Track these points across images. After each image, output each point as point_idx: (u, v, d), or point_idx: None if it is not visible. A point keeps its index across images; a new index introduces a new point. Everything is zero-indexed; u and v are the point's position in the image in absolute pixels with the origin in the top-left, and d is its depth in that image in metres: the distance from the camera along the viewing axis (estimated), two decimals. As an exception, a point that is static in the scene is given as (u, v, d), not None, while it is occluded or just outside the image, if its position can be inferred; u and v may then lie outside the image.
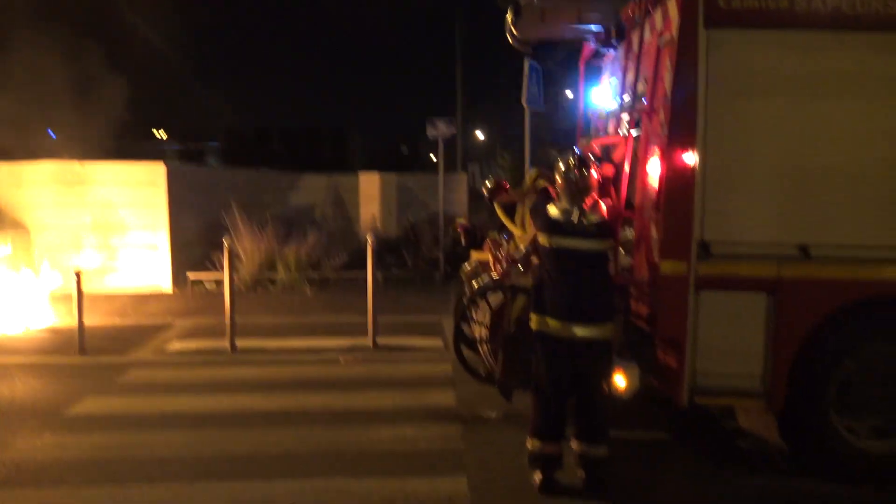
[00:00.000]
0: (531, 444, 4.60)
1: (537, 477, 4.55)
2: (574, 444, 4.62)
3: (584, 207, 4.59)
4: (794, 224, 4.69)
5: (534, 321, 4.64)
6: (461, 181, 20.00)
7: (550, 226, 4.57)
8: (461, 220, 7.43)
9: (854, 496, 4.61)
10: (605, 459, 4.58)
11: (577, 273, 4.53)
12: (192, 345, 8.60)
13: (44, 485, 4.68)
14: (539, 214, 4.71)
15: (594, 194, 4.84)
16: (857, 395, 4.77)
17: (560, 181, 4.68)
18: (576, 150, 5.13)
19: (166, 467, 4.94)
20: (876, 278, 4.65)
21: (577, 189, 4.61)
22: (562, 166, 4.69)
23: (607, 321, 4.56)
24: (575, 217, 4.55)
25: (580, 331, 4.48)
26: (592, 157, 5.46)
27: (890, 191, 4.65)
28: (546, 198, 4.99)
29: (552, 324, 4.53)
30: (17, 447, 5.33)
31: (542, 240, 4.63)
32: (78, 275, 8.24)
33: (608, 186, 5.51)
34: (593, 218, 4.58)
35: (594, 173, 4.79)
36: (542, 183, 5.77)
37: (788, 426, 4.86)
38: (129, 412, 6.13)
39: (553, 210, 4.62)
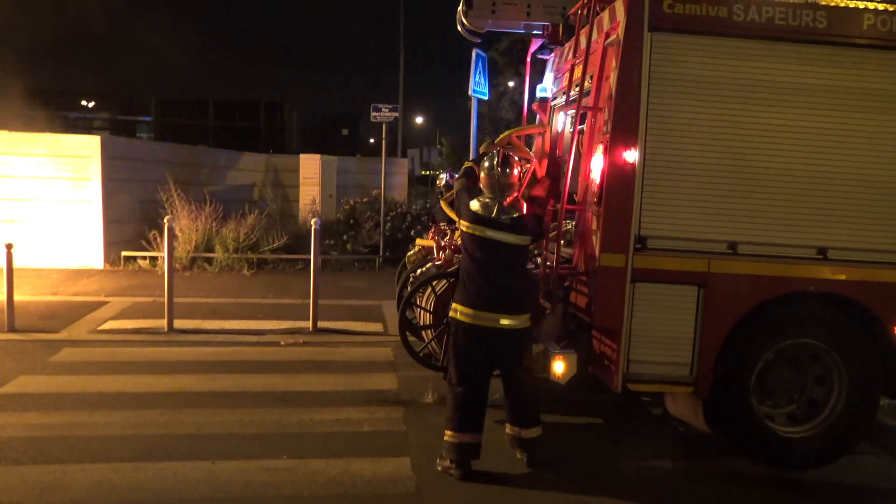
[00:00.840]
0: (447, 435, 4.71)
1: (452, 468, 4.65)
2: (508, 429, 4.87)
3: (504, 204, 4.82)
4: (724, 222, 4.97)
5: (452, 310, 4.83)
6: (402, 166, 20.06)
7: (472, 215, 4.80)
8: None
9: (772, 476, 4.97)
10: (539, 440, 4.84)
11: (493, 264, 4.74)
12: (127, 324, 8.46)
13: (-21, 464, 4.60)
14: (462, 202, 4.95)
15: (516, 191, 5.06)
16: (774, 382, 5.12)
17: (484, 176, 4.91)
18: (501, 150, 5.33)
19: (107, 447, 4.92)
20: (796, 275, 4.99)
21: (499, 185, 4.85)
22: (486, 163, 4.92)
23: (522, 312, 4.75)
24: (494, 211, 4.77)
25: (493, 320, 4.67)
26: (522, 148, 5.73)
27: (810, 194, 4.97)
28: (472, 182, 5.17)
29: (468, 312, 4.72)
30: (-52, 425, 5.21)
31: (464, 226, 4.85)
32: (8, 248, 8.01)
33: (542, 178, 5.71)
34: (511, 212, 4.81)
35: (516, 172, 4.98)
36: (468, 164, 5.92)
37: (713, 412, 5.17)
38: (65, 391, 6.02)
39: (474, 204, 4.83)
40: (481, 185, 4.96)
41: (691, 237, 4.98)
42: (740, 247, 4.95)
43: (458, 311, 4.77)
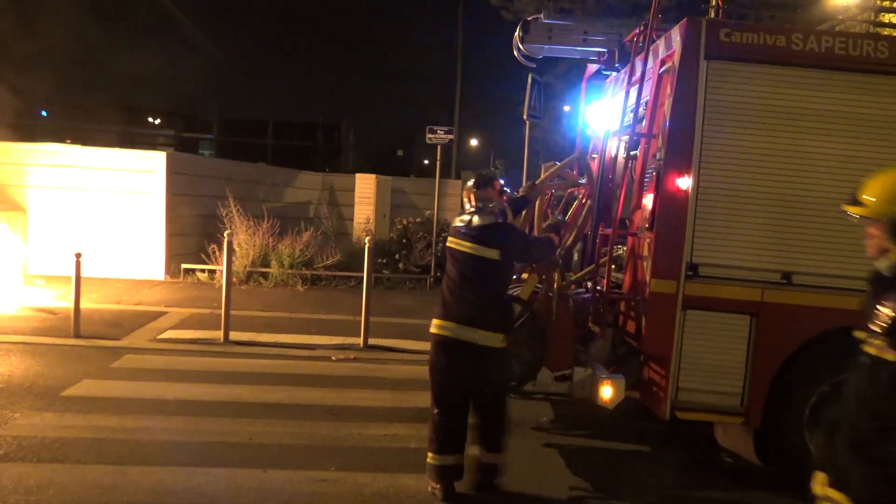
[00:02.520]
0: (429, 457, 4.61)
1: (437, 489, 4.57)
2: (473, 448, 4.68)
3: (480, 217, 4.69)
4: (778, 252, 4.93)
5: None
6: (456, 187, 20.21)
7: (451, 228, 4.84)
8: None
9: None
10: (496, 468, 4.64)
11: (459, 275, 4.64)
12: (185, 334, 8.74)
13: (45, 461, 4.82)
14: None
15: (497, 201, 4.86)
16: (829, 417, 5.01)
17: (465, 192, 4.88)
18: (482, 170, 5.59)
19: (164, 451, 5.11)
20: (854, 307, 4.88)
21: (476, 197, 4.72)
22: (468, 182, 4.89)
23: (488, 329, 4.51)
24: (467, 222, 4.71)
25: (455, 332, 4.53)
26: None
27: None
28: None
29: (435, 323, 4.65)
30: (17, 423, 5.47)
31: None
32: (77, 257, 8.37)
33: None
34: (483, 221, 4.66)
35: (496, 189, 4.83)
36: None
37: (765, 445, 5.09)
38: (125, 396, 6.27)
39: (457, 218, 4.87)
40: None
41: (744, 266, 4.94)
42: (795, 277, 4.90)
43: (432, 324, 4.71)
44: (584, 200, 6.41)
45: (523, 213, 5.87)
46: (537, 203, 6.02)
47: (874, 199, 2.96)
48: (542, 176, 6.52)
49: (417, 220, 15.82)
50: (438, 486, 4.57)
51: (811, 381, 4.94)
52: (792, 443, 4.95)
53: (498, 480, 4.65)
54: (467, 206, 4.82)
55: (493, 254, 4.59)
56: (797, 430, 4.94)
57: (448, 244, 4.81)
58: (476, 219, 4.70)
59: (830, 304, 4.87)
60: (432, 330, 4.67)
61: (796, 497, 4.95)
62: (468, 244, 4.64)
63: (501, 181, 5.14)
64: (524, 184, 7.33)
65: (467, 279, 4.63)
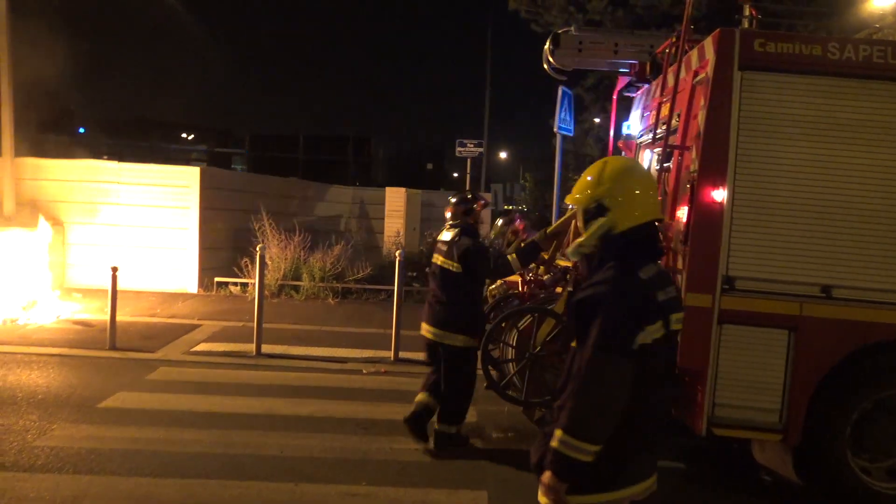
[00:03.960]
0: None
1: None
2: (434, 422, 5.63)
3: (451, 233, 5.68)
4: (817, 265, 4.82)
5: None
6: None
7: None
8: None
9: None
10: (447, 436, 5.57)
11: (434, 282, 5.72)
12: (218, 346, 8.82)
13: (81, 472, 4.88)
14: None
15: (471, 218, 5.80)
16: (872, 435, 4.87)
17: (448, 207, 5.85)
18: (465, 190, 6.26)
19: (197, 463, 5.13)
20: (894, 321, 4.76)
21: (452, 216, 5.77)
22: (451, 198, 5.96)
23: (450, 330, 5.50)
24: (443, 236, 5.75)
25: (427, 331, 5.62)
26: None
27: (913, 237, 4.76)
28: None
29: (422, 326, 5.69)
30: (55, 435, 5.55)
31: None
32: (114, 271, 8.50)
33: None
34: (452, 237, 5.64)
35: (470, 214, 5.79)
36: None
37: (803, 462, 4.96)
38: (160, 408, 6.33)
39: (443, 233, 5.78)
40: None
41: (782, 279, 4.84)
42: (835, 290, 4.78)
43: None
44: None
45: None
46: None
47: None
48: (558, 222, 6.25)
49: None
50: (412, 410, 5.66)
51: (853, 398, 4.82)
52: (833, 461, 4.82)
53: (454, 445, 5.59)
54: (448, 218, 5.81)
55: (455, 266, 5.54)
56: (838, 447, 4.81)
57: (433, 256, 5.79)
58: (447, 235, 5.70)
59: (872, 319, 4.74)
60: (421, 331, 5.73)
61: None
62: (440, 257, 5.66)
63: (482, 205, 5.98)
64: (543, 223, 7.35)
65: (437, 286, 5.66)
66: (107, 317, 8.57)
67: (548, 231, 5.86)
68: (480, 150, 13.96)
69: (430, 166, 63.58)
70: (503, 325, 5.88)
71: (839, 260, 4.81)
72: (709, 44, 5.08)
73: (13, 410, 6.08)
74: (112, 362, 7.91)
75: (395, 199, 18.36)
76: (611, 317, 2.38)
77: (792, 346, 4.78)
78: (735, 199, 4.82)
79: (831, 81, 4.85)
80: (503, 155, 50.45)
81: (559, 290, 5.72)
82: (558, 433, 2.39)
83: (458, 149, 13.70)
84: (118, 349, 8.35)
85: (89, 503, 4.43)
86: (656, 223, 2.64)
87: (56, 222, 12.53)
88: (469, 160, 13.91)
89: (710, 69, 4.97)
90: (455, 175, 56.41)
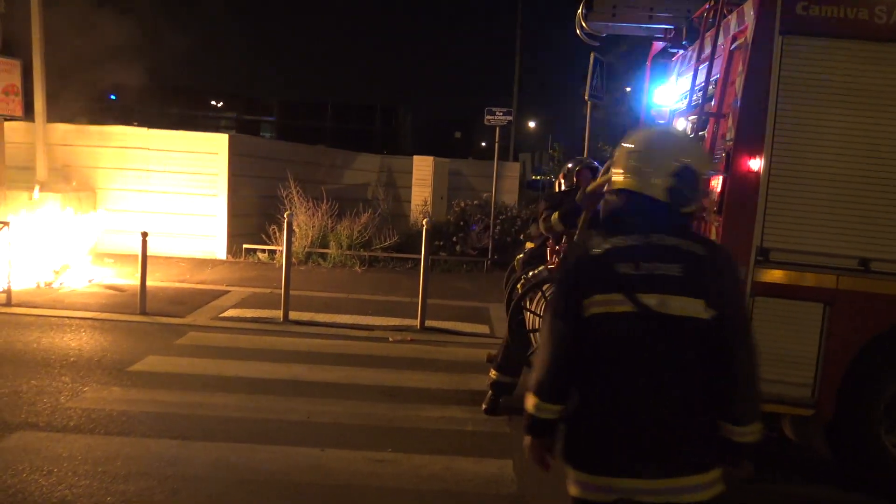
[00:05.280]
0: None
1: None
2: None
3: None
4: (856, 237, 4.68)
5: None
6: (514, 170, 20.06)
7: None
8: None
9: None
10: (495, 384, 5.86)
11: None
12: (246, 313, 8.90)
13: (112, 434, 4.96)
14: None
15: None
16: (907, 412, 4.77)
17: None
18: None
19: (225, 427, 5.19)
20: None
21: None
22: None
23: None
24: None
25: None
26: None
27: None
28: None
29: None
30: (86, 396, 5.65)
31: None
32: (144, 236, 8.59)
33: None
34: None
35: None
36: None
37: (836, 438, 4.88)
38: (188, 372, 6.41)
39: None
40: None
41: (819, 251, 4.71)
42: (873, 264, 4.64)
43: None
44: None
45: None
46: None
47: None
48: (601, 179, 6.17)
49: (475, 202, 15.74)
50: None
51: (888, 374, 4.71)
52: (866, 437, 4.73)
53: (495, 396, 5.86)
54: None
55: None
56: (872, 423, 4.72)
57: None
58: None
59: (911, 293, 4.61)
60: None
61: (869, 494, 4.75)
62: None
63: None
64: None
65: None
66: (137, 282, 8.68)
67: (587, 190, 5.79)
68: (510, 118, 13.75)
69: (458, 135, 63.21)
70: (531, 294, 5.82)
71: (879, 232, 4.66)
72: (748, 7, 4.90)
73: (46, 372, 6.20)
74: (142, 326, 8.01)
75: (422, 167, 18.25)
76: (556, 280, 2.59)
77: (827, 319, 4.67)
78: (772, 169, 4.69)
79: (878, 47, 4.66)
80: (532, 124, 49.95)
81: None
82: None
83: (487, 117, 13.50)
84: (148, 314, 8.45)
85: (121, 463, 4.50)
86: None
87: (86, 187, 12.67)
88: (498, 129, 13.73)
89: (749, 34, 4.80)
90: (483, 144, 56.04)
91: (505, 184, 17.68)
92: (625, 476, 2.31)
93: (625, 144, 2.54)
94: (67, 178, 12.41)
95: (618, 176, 2.48)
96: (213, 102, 66.81)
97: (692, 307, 2.31)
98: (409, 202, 18.32)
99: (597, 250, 2.39)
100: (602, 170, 6.27)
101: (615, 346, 2.36)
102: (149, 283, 8.78)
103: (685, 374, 2.34)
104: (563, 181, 6.60)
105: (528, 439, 2.55)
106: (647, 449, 2.30)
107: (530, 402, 2.49)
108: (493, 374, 5.92)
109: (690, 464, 2.32)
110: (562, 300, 2.46)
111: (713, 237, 4.93)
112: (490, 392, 5.90)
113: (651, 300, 2.30)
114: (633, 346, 2.34)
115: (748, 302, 4.69)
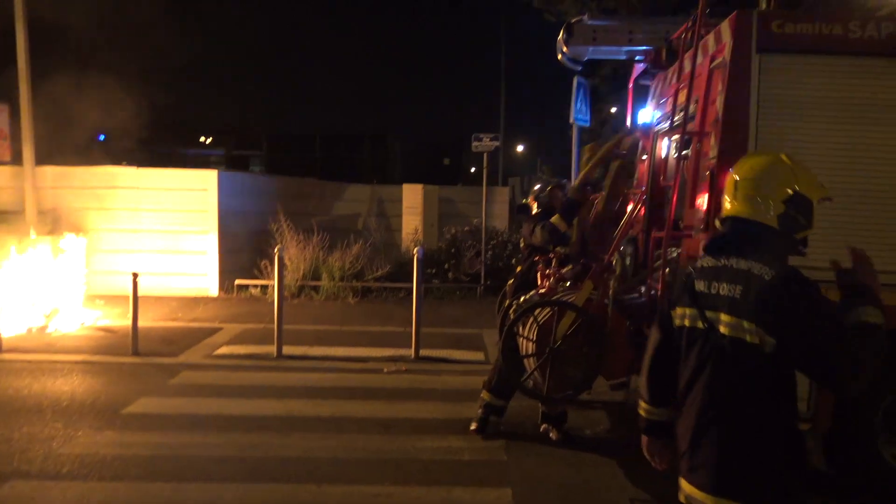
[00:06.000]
0: None
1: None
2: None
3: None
4: (839, 249, 4.69)
5: None
6: (503, 194, 20.10)
7: None
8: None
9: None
10: (485, 404, 5.94)
11: None
12: (239, 349, 8.84)
13: (106, 479, 4.89)
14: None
15: None
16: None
17: None
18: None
19: (221, 467, 5.13)
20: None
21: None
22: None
23: None
24: None
25: None
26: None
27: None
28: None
29: None
30: (80, 442, 5.58)
31: None
32: (134, 276, 8.55)
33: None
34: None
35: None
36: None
37: (833, 450, 4.85)
38: (183, 413, 6.35)
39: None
40: None
41: (805, 264, 4.72)
42: (860, 275, 4.65)
43: None
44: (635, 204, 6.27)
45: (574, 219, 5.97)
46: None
47: None
48: (586, 168, 6.37)
49: (466, 228, 15.76)
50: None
51: (882, 385, 4.70)
52: (861, 450, 4.71)
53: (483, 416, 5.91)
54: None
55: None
56: (868, 437, 4.70)
57: None
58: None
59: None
60: None
61: (872, 507, 4.72)
62: None
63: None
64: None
65: None
66: (129, 322, 8.62)
67: (575, 185, 6.03)
68: (497, 143, 13.83)
69: (447, 161, 63.44)
70: (523, 318, 5.81)
71: (863, 244, 4.64)
72: (725, 27, 4.98)
73: (39, 418, 6.13)
74: (135, 367, 7.95)
75: (412, 195, 18.28)
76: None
77: (819, 332, 4.67)
78: (756, 185, 4.71)
79: (854, 61, 4.73)
80: (520, 148, 50.24)
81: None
82: None
83: (474, 143, 13.56)
84: (141, 354, 8.39)
85: (114, 509, 4.44)
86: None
87: (77, 229, 12.63)
88: (486, 154, 13.79)
89: (727, 53, 4.87)
90: (473, 170, 56.24)
91: (495, 209, 17.71)
92: (694, 484, 2.45)
93: (734, 174, 2.65)
94: (57, 221, 12.38)
95: (727, 203, 2.62)
96: (203, 139, 66.98)
97: (739, 329, 2.36)
98: (401, 231, 18.32)
99: (691, 268, 2.60)
100: (579, 177, 6.43)
101: (688, 357, 2.52)
102: (141, 323, 8.72)
103: (737, 397, 2.38)
104: (534, 205, 6.87)
105: (643, 438, 2.79)
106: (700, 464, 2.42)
107: (640, 403, 2.75)
108: (485, 395, 5.94)
109: (739, 491, 2.35)
110: (659, 309, 2.75)
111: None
112: (480, 411, 5.93)
113: (711, 316, 2.46)
114: (696, 359, 2.49)
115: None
